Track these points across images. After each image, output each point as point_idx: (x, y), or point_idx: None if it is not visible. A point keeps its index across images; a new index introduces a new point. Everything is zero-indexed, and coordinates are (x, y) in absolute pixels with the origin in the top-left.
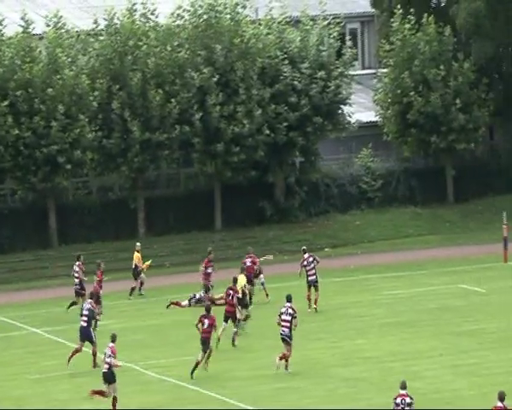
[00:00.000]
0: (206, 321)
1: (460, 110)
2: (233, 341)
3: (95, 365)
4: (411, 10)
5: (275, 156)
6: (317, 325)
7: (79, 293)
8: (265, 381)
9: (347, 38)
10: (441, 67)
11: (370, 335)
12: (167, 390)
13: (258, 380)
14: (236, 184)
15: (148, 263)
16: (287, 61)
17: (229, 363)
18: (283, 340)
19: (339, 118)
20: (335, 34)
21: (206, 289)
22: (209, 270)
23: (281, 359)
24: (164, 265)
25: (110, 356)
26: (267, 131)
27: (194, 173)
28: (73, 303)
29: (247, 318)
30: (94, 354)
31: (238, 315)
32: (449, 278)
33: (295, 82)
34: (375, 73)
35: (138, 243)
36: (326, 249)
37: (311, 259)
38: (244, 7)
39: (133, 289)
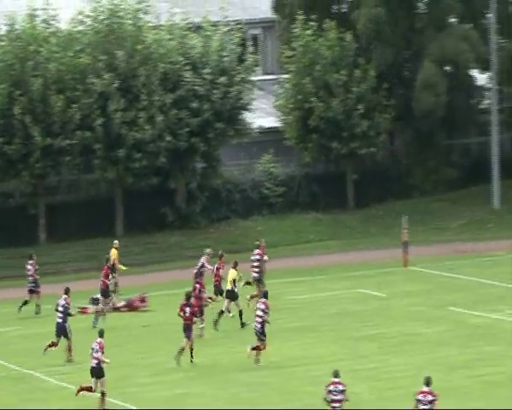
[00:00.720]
0: (187, 309)
1: (362, 116)
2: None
3: (69, 360)
4: (313, 16)
5: (176, 162)
6: (220, 330)
7: (33, 291)
8: (166, 386)
9: (249, 43)
10: (342, 72)
11: (272, 340)
12: (65, 397)
13: (158, 386)
14: (138, 190)
15: (123, 268)
16: (188, 67)
17: (129, 369)
18: (256, 334)
19: (240, 123)
20: (237, 40)
21: (217, 292)
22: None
23: (253, 349)
24: (65, 271)
25: (98, 351)
26: (169, 137)
27: (96, 179)
28: (26, 303)
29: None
30: (69, 350)
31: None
32: (349, 283)
33: (197, 87)
34: (276, 79)
35: (116, 241)
36: (225, 255)
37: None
38: (146, 12)
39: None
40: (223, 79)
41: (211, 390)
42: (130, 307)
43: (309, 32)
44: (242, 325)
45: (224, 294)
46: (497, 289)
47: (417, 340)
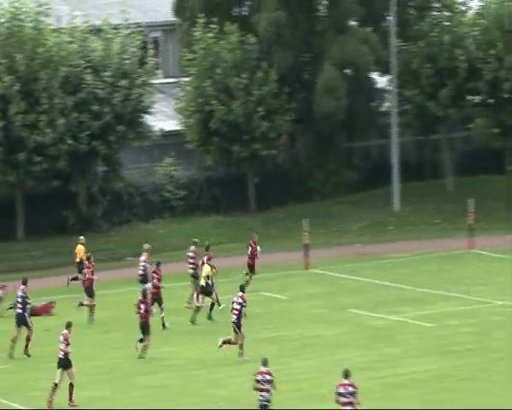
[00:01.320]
0: (142, 306)
1: (262, 118)
2: (163, 325)
3: (26, 351)
4: (214, 19)
5: (77, 165)
6: (120, 334)
7: None
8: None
9: (150, 46)
10: (243, 75)
11: (174, 343)
12: None
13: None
14: (39, 194)
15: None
16: (89, 70)
17: (34, 373)
18: (233, 328)
19: (141, 126)
20: (138, 43)
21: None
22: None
23: (224, 343)
24: None
25: (63, 342)
26: (69, 140)
27: None
28: None
29: (198, 309)
30: (28, 340)
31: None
32: (251, 286)
33: (98, 90)
34: (177, 82)
35: (82, 237)
36: (129, 258)
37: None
38: (46, 15)
39: (76, 279)
40: (124, 82)
41: (113, 394)
42: (37, 312)
43: (210, 35)
44: (209, 317)
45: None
46: (397, 291)
47: (318, 342)
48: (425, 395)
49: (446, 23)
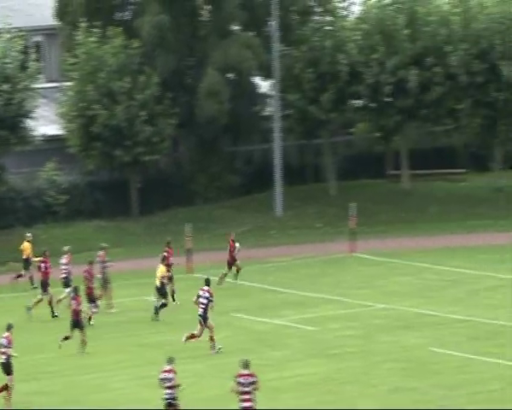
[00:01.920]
0: (74, 302)
1: (145, 123)
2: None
3: None
4: (96, 23)
5: None
6: None
7: None
8: None
9: (32, 51)
10: (126, 79)
11: (50, 349)
12: None
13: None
14: None
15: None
16: None
17: None
18: (199, 320)
19: (23, 131)
20: (19, 47)
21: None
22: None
23: (188, 338)
24: None
25: (6, 346)
26: None
27: None
28: None
29: (163, 306)
30: None
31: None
32: (134, 291)
33: None
34: (59, 87)
35: (29, 234)
36: (10, 263)
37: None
38: None
39: (20, 276)
40: (5, 87)
41: None
42: None
43: (92, 39)
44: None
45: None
46: (280, 294)
47: (201, 346)
48: (309, 397)
49: (328, 28)
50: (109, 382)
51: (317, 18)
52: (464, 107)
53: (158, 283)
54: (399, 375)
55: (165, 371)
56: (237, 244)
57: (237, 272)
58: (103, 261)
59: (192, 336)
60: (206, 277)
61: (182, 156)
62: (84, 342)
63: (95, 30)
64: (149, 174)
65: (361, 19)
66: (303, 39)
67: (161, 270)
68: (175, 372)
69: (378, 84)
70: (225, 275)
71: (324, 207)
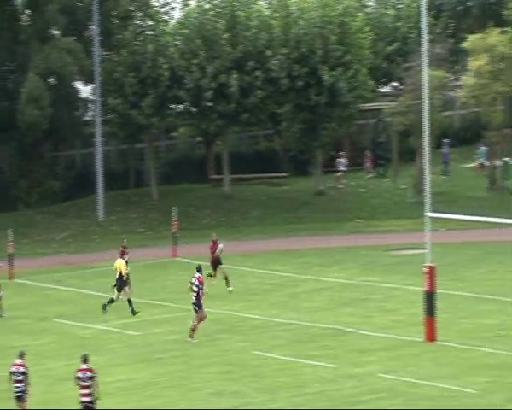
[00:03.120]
0: None
1: None
2: None
3: None
4: None
5: None
6: None
7: None
8: None
9: None
10: None
11: None
12: None
13: None
14: None
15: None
16: None
17: None
18: (193, 309)
19: None
20: None
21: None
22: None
23: (192, 332)
24: None
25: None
26: None
27: None
28: None
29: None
30: None
31: None
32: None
33: None
34: None
35: None
36: None
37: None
38: None
39: None
40: None
41: None
42: None
43: None
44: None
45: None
46: (102, 300)
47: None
48: (131, 402)
49: (149, 32)
50: None
51: (137, 23)
52: (285, 111)
53: (117, 275)
54: (222, 378)
55: (83, 370)
56: (221, 245)
57: (226, 280)
58: None
59: (194, 330)
60: (197, 264)
61: (2, 161)
62: None
63: None
64: None
65: (182, 24)
66: (124, 44)
67: (120, 263)
68: (93, 371)
69: (199, 89)
70: (210, 275)
71: (147, 211)
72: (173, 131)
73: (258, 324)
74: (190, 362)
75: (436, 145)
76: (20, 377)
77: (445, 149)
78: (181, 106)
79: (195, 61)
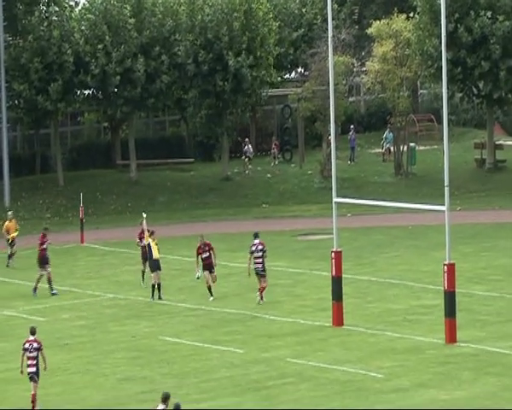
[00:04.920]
0: None
1: None
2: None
3: None
4: None
5: None
6: None
7: None
8: None
9: None
10: None
11: None
12: None
13: None
14: None
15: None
16: None
17: None
18: (258, 274)
19: None
20: None
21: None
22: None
23: (261, 292)
24: None
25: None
26: None
27: None
28: None
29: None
30: None
31: None
32: None
33: None
34: None
35: (10, 212)
36: None
37: (260, 247)
38: None
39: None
40: None
41: None
42: None
43: None
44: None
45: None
46: (9, 286)
47: None
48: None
49: (55, 18)
50: None
51: (43, 8)
52: (191, 96)
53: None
54: (130, 364)
55: (30, 342)
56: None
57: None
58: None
59: (262, 289)
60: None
61: None
62: None
63: None
64: None
65: (87, 9)
66: (29, 29)
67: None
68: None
69: (105, 74)
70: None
71: (54, 197)
72: (79, 117)
73: (165, 309)
74: (98, 348)
75: (342, 131)
76: (33, 354)
77: (352, 135)
78: (87, 91)
79: (101, 47)
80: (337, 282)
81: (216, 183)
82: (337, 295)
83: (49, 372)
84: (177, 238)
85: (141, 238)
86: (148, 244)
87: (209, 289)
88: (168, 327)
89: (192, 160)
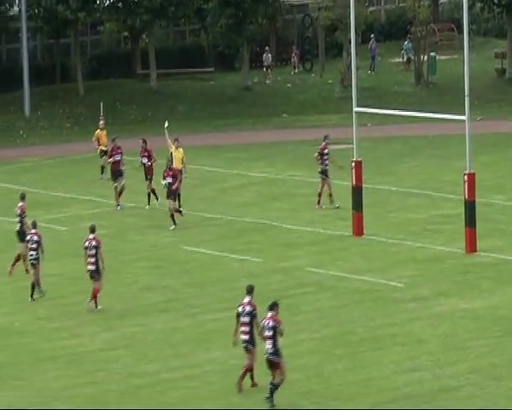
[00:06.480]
0: None
1: None
2: None
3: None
4: None
5: None
6: None
7: None
8: None
9: None
10: None
11: None
12: None
13: None
14: None
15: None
16: None
17: None
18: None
19: None
20: None
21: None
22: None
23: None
24: None
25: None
26: None
27: None
28: None
29: None
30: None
31: None
32: None
33: None
34: None
35: (102, 122)
36: None
37: (326, 151)
38: None
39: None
40: None
41: None
42: None
43: None
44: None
45: None
46: (30, 195)
47: None
48: (61, 298)
49: None
50: None
51: None
52: (211, 6)
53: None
54: (151, 273)
55: (31, 234)
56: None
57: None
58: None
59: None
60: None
61: None
62: None
63: None
64: None
65: None
66: None
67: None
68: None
69: None
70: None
71: (73, 107)
72: (99, 26)
73: (185, 219)
74: (119, 257)
75: (362, 40)
76: (34, 246)
77: (372, 44)
78: (107, 0)
79: None
80: (357, 191)
81: (236, 92)
82: (357, 204)
83: (71, 281)
84: (197, 148)
85: (143, 156)
86: (171, 153)
87: (172, 217)
88: (187, 237)
89: (212, 69)
